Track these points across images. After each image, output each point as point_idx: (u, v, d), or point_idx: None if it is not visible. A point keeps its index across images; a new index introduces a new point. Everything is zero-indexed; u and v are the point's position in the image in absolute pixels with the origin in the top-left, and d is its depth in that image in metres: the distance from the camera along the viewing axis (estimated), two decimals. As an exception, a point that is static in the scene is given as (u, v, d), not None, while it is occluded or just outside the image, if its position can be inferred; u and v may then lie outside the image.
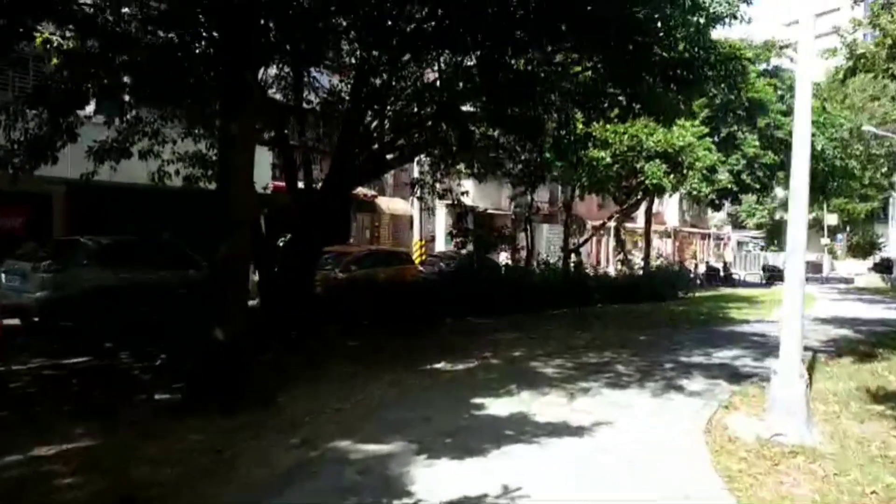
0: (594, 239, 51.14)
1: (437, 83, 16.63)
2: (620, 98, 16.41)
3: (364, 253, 22.29)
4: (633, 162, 24.67)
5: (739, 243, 70.87)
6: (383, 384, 8.62)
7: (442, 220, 37.01)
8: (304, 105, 17.27)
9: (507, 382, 8.77)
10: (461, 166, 21.36)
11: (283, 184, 16.43)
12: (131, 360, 10.48)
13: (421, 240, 34.10)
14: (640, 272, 32.15)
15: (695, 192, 26.22)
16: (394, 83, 16.85)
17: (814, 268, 55.19)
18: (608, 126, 24.44)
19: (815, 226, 65.04)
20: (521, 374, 9.48)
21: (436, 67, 16.63)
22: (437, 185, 20.34)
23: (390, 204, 32.56)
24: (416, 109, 17.02)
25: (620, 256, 32.61)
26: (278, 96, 16.78)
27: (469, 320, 16.92)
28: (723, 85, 16.34)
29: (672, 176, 24.95)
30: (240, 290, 7.39)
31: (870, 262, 58.49)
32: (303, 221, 15.70)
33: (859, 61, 17.70)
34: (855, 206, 60.38)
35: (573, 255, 28.33)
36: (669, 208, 61.79)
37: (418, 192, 21.39)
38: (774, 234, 73.89)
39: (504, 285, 20.41)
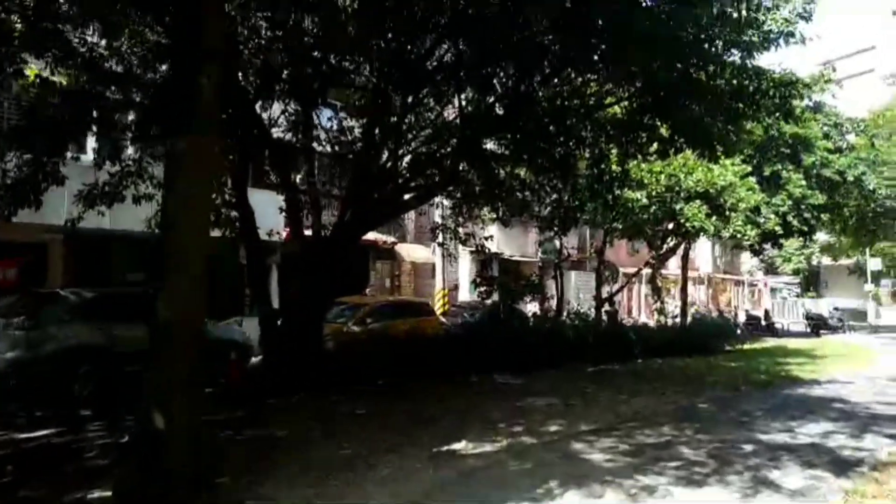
0: (626, 287, 49.39)
1: (458, 120, 15.17)
2: (661, 131, 14.72)
3: (381, 304, 20.65)
4: (671, 203, 22.85)
5: (773, 290, 68.21)
6: (381, 482, 6.73)
7: (466, 267, 35.54)
8: (315, 145, 15.98)
9: (546, 475, 6.85)
10: (485, 210, 19.77)
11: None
12: (101, 434, 8.78)
13: (443, 289, 32.38)
14: (676, 321, 30.11)
15: (739, 236, 24.22)
16: (410, 120, 15.51)
17: (858, 315, 52.54)
18: (643, 165, 22.88)
19: (857, 271, 62.62)
20: (562, 461, 7.57)
21: (456, 103, 15.18)
22: (460, 230, 18.65)
23: (411, 251, 30.97)
24: (434, 148, 15.53)
25: (657, 305, 30.56)
26: (287, 136, 15.46)
27: (495, 379, 15.20)
28: (777, 114, 14.58)
29: (714, 218, 23.02)
30: (186, 363, 5.65)
31: (920, 309, 55.58)
32: (309, 270, 14.26)
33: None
34: (899, 250, 57.79)
35: (607, 305, 26.35)
36: (702, 254, 59.78)
37: (440, 237, 19.76)
38: (812, 281, 71.44)
39: (533, 338, 18.57)
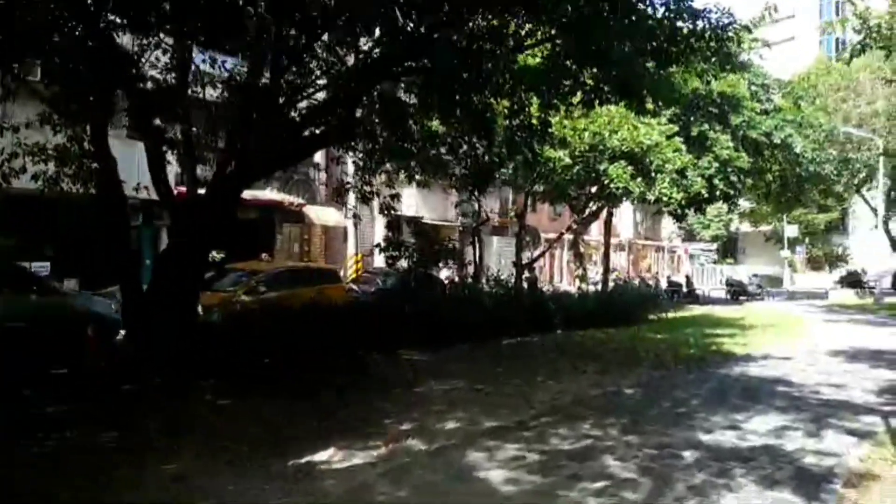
0: (548, 252, 48.37)
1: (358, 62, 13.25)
2: (586, 78, 13.08)
3: (278, 271, 18.64)
4: (594, 163, 21.40)
5: (691, 256, 68.66)
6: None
7: (381, 231, 33.75)
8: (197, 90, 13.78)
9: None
10: (395, 168, 17.88)
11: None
12: None
13: (357, 254, 30.44)
14: (598, 288, 28.99)
15: (665, 199, 22.97)
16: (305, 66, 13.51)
17: (774, 282, 53.04)
18: (567, 122, 21.35)
19: (774, 238, 63.36)
20: (449, 484, 5.80)
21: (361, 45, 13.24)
22: (366, 189, 16.71)
23: (321, 214, 28.88)
24: (334, 93, 13.56)
25: (579, 272, 29.36)
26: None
27: (401, 356, 13.39)
28: (714, 59, 13.08)
29: (639, 180, 21.69)
30: None
31: (834, 275, 56.42)
32: (181, 230, 12.24)
33: (872, 35, 14.90)
34: (814, 217, 58.58)
35: (526, 271, 24.90)
36: (623, 220, 59.56)
37: (346, 197, 17.78)
38: (729, 247, 72.20)
39: (447, 309, 16.81)
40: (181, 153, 13.11)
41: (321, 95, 13.95)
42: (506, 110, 14.64)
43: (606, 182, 21.73)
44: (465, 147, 15.90)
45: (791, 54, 48.07)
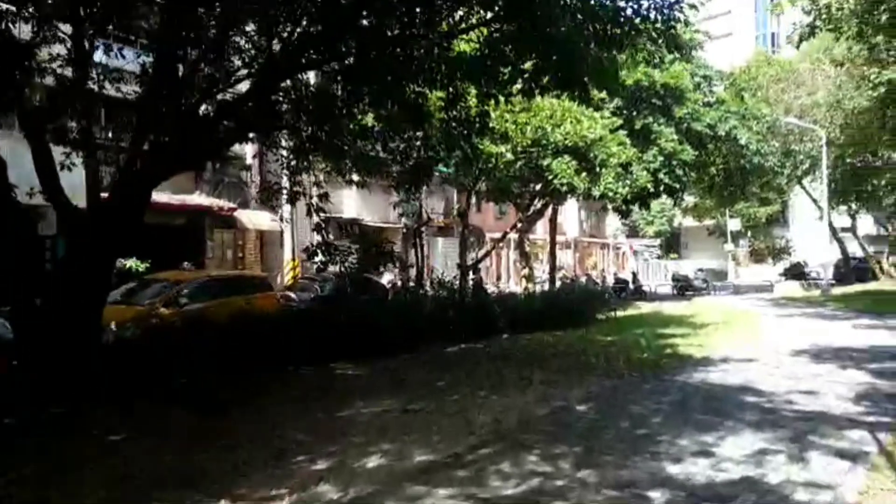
0: (494, 253, 47.44)
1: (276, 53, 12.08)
2: (526, 66, 12.11)
3: (202, 281, 17.15)
4: (538, 159, 20.45)
5: (635, 252, 68.74)
6: None
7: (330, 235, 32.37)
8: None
9: None
10: (326, 166, 16.66)
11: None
12: None
13: (294, 259, 28.99)
14: (544, 288, 28.11)
15: (610, 195, 22.16)
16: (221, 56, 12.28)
17: (719, 275, 53.14)
18: (508, 116, 20.39)
19: (717, 232, 63.68)
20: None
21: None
22: (296, 189, 15.45)
23: (254, 218, 27.34)
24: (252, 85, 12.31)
25: (525, 272, 28.44)
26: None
27: (333, 370, 12.31)
28: (661, 41, 12.20)
29: (584, 175, 20.83)
30: None
31: (777, 267, 56.88)
32: (79, 237, 10.94)
33: (821, 16, 14.25)
34: (756, 209, 58.92)
35: (471, 273, 23.84)
36: (569, 218, 59.16)
37: (279, 200, 16.46)
38: (673, 243, 72.46)
39: (386, 316, 15.61)
40: (83, 153, 11.68)
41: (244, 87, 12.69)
42: (441, 101, 13.61)
43: (550, 178, 20.83)
44: (398, 142, 14.69)
45: (728, 50, 48.15)
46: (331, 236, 20.29)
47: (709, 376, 10.51)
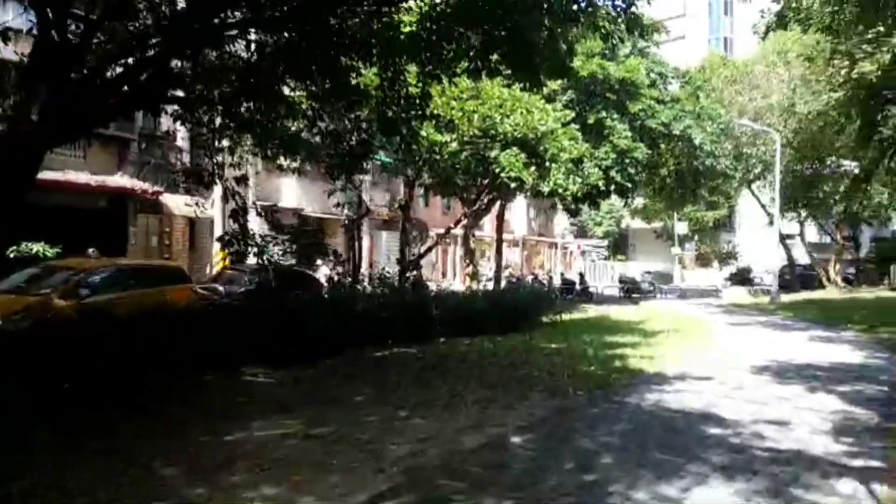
0: (440, 249, 45.97)
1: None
2: (473, 43, 10.72)
3: (107, 270, 15.25)
4: (485, 150, 19.04)
5: (583, 253, 68.19)
6: None
7: (255, 222, 30.57)
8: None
9: None
10: (249, 147, 15.00)
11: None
12: None
13: (224, 249, 26.97)
14: (490, 285, 26.79)
15: (560, 191, 20.86)
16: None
17: (665, 278, 52.67)
18: (454, 104, 18.93)
19: (664, 234, 63.37)
20: None
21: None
22: (210, 171, 13.79)
23: (182, 203, 25.20)
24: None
25: (469, 270, 27.05)
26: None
27: (242, 375, 11.17)
28: (620, 19, 10.93)
29: (533, 169, 19.50)
30: None
31: (723, 272, 56.71)
32: None
33: (790, 5, 13.18)
34: (703, 214, 58.72)
35: (412, 269, 22.34)
36: (517, 215, 58.32)
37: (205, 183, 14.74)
38: (620, 244, 72.08)
39: (312, 315, 13.98)
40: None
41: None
42: (377, 79, 12.15)
43: (498, 170, 19.41)
44: (328, 122, 13.09)
45: (682, 53, 47.59)
46: (261, 226, 18.70)
47: (664, 398, 9.13)
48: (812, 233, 48.12)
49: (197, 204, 15.24)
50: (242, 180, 13.30)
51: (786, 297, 30.93)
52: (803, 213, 38.20)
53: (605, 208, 65.29)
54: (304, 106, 12.87)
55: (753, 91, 31.90)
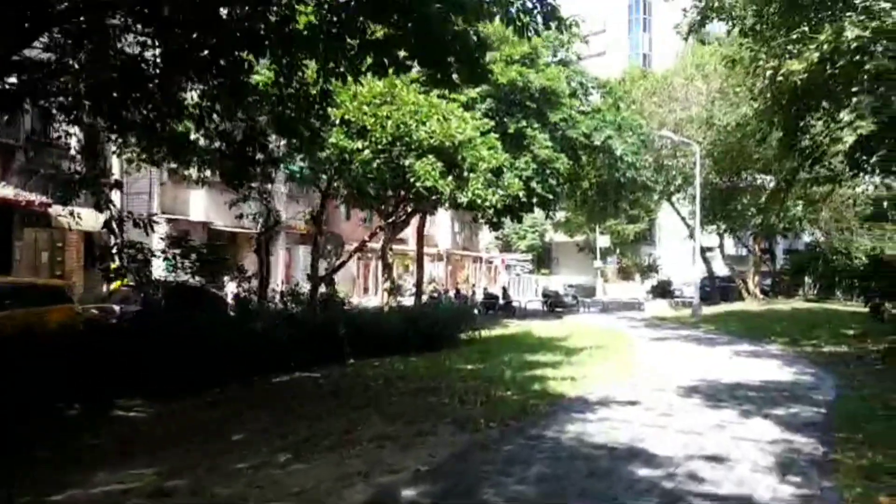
0: (362, 264, 44.50)
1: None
2: (377, 36, 9.64)
3: (-32, 289, 13.43)
4: (399, 158, 17.90)
5: (508, 267, 67.78)
6: None
7: (164, 233, 28.77)
8: None
9: None
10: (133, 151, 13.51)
11: None
12: None
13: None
14: (412, 299, 25.62)
15: (479, 202, 19.81)
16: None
17: (588, 291, 52.47)
18: (367, 108, 17.76)
19: (586, 248, 63.39)
20: None
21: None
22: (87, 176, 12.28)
23: (78, 216, 23.10)
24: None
25: (387, 285, 25.75)
26: None
27: (113, 408, 9.84)
28: (536, 13, 9.95)
29: (450, 178, 18.44)
30: None
31: (645, 285, 56.99)
32: None
33: (713, 5, 12.52)
34: (624, 227, 58.98)
35: (324, 285, 20.98)
36: (441, 229, 57.53)
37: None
38: (544, 258, 71.90)
39: (207, 337, 12.52)
40: None
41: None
42: (273, 73, 10.95)
43: (413, 180, 18.24)
44: (218, 121, 11.69)
45: (602, 69, 47.67)
46: (160, 240, 17.14)
47: (587, 429, 7.98)
48: (729, 245, 48.66)
49: (72, 214, 13.54)
50: (116, 186, 11.75)
51: (707, 310, 30.68)
52: (722, 226, 38.38)
53: (529, 222, 65.03)
54: (191, 105, 11.51)
55: (673, 103, 31.81)
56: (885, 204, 27.87)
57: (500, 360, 14.19)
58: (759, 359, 15.72)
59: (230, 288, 21.94)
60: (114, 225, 12.30)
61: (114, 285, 24.79)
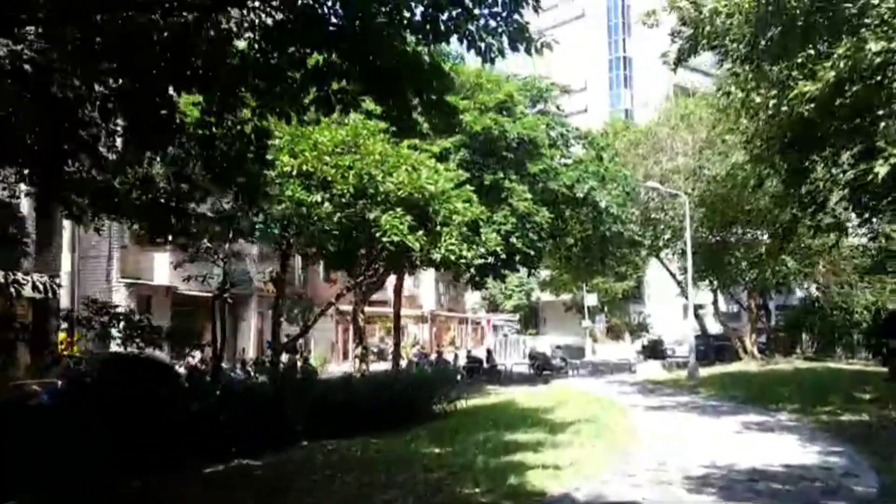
0: (341, 327, 42.44)
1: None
2: (322, 66, 8.15)
3: None
4: (364, 212, 16.26)
5: (495, 327, 66.06)
6: None
7: (123, 304, 26.94)
8: None
9: None
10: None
11: None
12: None
13: (69, 333, 23.11)
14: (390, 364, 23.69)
15: (453, 258, 18.07)
16: None
17: (576, 352, 50.33)
18: (328, 159, 16.25)
19: (574, 307, 61.61)
20: None
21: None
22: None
23: (18, 280, 21.24)
24: None
25: (359, 350, 23.81)
26: None
27: None
28: (501, 32, 8.42)
29: (421, 233, 16.76)
30: None
31: (635, 344, 55.07)
32: None
33: (702, 30, 11.13)
34: (612, 285, 57.45)
35: (287, 354, 19.10)
36: (425, 290, 55.79)
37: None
38: (531, 318, 70.05)
39: (133, 419, 10.76)
40: None
41: None
42: (201, 109, 9.37)
43: (379, 235, 16.49)
44: (140, 168, 10.01)
45: (585, 125, 46.86)
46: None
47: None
48: (720, 302, 47.01)
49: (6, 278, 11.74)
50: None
51: (703, 371, 28.71)
52: (715, 282, 36.76)
53: (515, 281, 63.63)
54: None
55: (658, 154, 30.51)
56: (882, 256, 26.57)
57: (474, 441, 12.18)
58: (772, 433, 13.73)
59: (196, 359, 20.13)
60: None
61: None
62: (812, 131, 11.89)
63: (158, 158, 10.13)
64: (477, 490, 8.41)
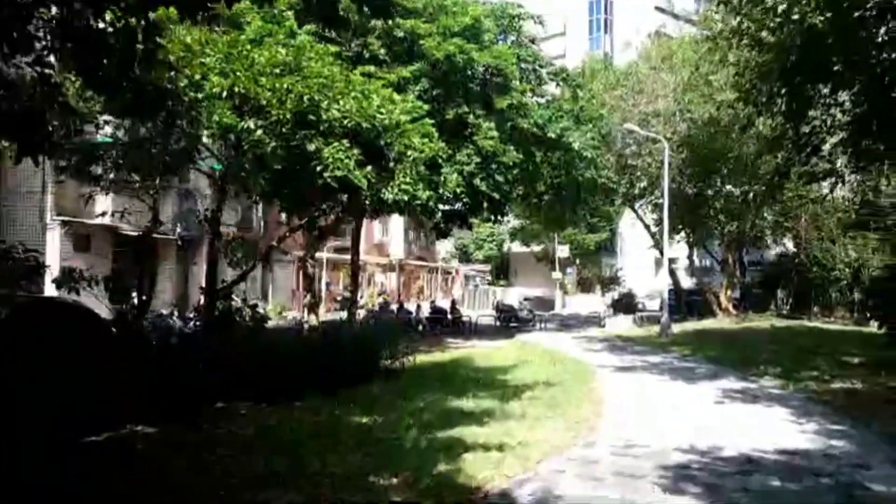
0: (302, 274, 40.57)
1: None
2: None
3: None
4: (304, 142, 14.14)
5: (467, 277, 64.67)
6: None
7: (57, 245, 25.00)
8: None
9: None
10: None
11: None
12: None
13: None
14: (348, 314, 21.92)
15: (407, 198, 16.07)
16: None
17: (545, 304, 49.06)
18: (262, 80, 14.14)
19: (545, 258, 60.21)
20: None
21: None
22: None
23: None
24: None
25: (307, 299, 21.94)
26: None
27: None
28: None
29: (370, 169, 14.68)
30: None
31: (606, 297, 53.81)
32: None
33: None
34: (584, 237, 56.01)
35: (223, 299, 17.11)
36: (395, 238, 53.99)
37: None
38: (502, 269, 68.69)
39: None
40: None
41: None
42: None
43: (319, 169, 14.38)
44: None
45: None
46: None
47: None
48: (694, 256, 45.69)
49: None
50: None
51: (676, 328, 27.24)
52: (691, 236, 35.18)
53: (486, 231, 62.04)
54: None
55: (637, 96, 28.53)
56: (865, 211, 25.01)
57: (412, 409, 10.37)
58: (757, 404, 12.00)
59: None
60: None
61: None
62: (821, 55, 10.00)
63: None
64: (394, 480, 6.59)
